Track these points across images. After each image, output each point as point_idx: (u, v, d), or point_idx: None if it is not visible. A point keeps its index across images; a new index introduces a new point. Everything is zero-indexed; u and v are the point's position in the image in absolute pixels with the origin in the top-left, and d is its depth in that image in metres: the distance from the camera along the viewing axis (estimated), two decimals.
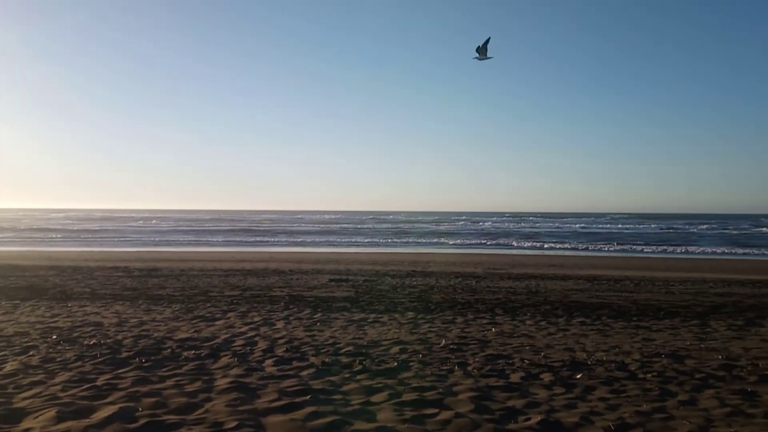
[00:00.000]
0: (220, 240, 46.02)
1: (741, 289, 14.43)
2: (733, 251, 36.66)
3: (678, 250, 37.04)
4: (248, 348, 7.27)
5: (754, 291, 14.08)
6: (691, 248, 38.72)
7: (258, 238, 47.88)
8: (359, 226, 72.72)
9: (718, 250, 37.07)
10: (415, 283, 15.27)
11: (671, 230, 65.03)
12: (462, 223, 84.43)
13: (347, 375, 6.01)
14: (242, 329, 8.56)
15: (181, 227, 67.43)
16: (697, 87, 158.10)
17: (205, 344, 7.45)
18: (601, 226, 74.66)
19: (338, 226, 74.33)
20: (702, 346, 7.71)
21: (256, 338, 7.87)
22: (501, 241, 45.63)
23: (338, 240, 46.56)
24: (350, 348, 7.29)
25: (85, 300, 11.59)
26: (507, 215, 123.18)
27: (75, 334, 8.01)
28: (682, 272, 20.50)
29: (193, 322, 9.19)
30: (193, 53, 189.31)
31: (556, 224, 78.90)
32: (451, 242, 44.45)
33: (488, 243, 43.54)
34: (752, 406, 5.13)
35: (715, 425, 4.67)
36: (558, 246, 40.89)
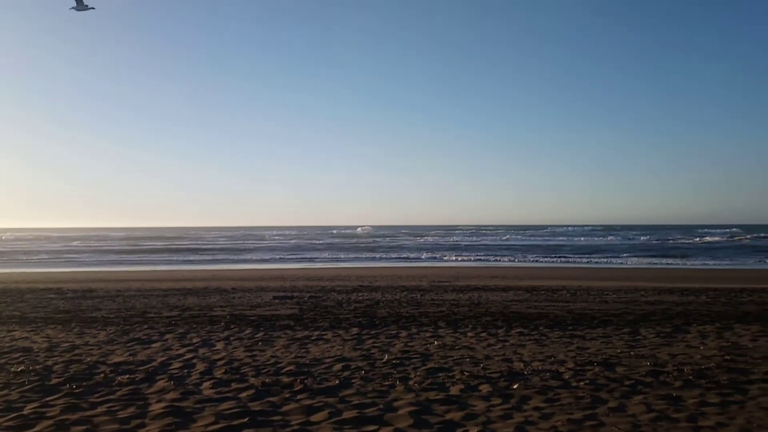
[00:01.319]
0: (161, 258, 44.68)
1: (670, 297, 15.15)
2: (666, 260, 38.53)
3: (615, 260, 38.57)
4: (185, 371, 7.10)
5: (681, 299, 14.80)
6: (627, 258, 40.41)
7: (201, 257, 46.77)
8: (311, 242, 72.11)
9: (652, 260, 38.87)
10: (360, 298, 15.28)
11: (610, 241, 67.78)
12: (411, 237, 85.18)
13: (287, 395, 5.96)
14: (180, 351, 8.35)
15: (120, 246, 65.14)
16: (641, 101, 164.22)
17: (140, 368, 7.23)
18: (544, 238, 76.85)
19: (288, 242, 73.47)
20: (632, 353, 8.05)
21: (194, 360, 7.70)
22: (447, 254, 46.31)
23: (286, 256, 46.04)
24: (292, 367, 7.23)
25: (14, 324, 11.03)
26: (460, 228, 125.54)
27: (1, 361, 7.62)
28: (617, 281, 21.36)
29: (129, 345, 8.90)
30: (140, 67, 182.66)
31: (507, 237, 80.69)
32: (400, 256, 44.77)
33: (436, 256, 44.06)
34: (677, 411, 5.40)
35: (642, 430, 4.89)
36: (501, 258, 41.79)
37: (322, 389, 6.19)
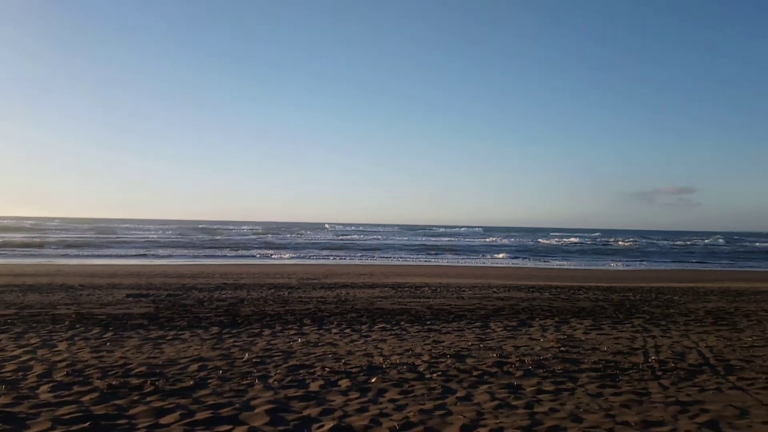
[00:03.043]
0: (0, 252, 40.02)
1: (518, 294, 16.43)
2: (521, 260, 41.72)
3: (478, 259, 41.05)
4: (20, 373, 6.47)
5: (528, 295, 16.11)
6: (486, 257, 43.18)
7: (48, 250, 42.56)
8: (178, 238, 67.90)
9: (510, 260, 41.88)
10: (224, 296, 14.83)
11: (481, 241, 71.97)
12: (290, 234, 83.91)
13: (136, 397, 5.65)
14: (15, 353, 7.59)
15: None
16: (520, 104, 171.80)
17: None
18: (423, 238, 79.53)
19: (149, 237, 68.82)
20: (481, 345, 8.64)
21: (32, 362, 7.04)
22: (320, 252, 46.35)
23: (145, 251, 43.23)
24: (143, 368, 6.86)
25: None
26: (351, 226, 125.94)
27: None
28: (474, 278, 22.73)
29: None
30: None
31: (396, 237, 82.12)
32: (274, 254, 43.90)
33: (306, 254, 43.84)
34: (516, 399, 5.88)
35: (485, 418, 5.27)
36: (374, 256, 42.66)
37: (175, 390, 5.94)
